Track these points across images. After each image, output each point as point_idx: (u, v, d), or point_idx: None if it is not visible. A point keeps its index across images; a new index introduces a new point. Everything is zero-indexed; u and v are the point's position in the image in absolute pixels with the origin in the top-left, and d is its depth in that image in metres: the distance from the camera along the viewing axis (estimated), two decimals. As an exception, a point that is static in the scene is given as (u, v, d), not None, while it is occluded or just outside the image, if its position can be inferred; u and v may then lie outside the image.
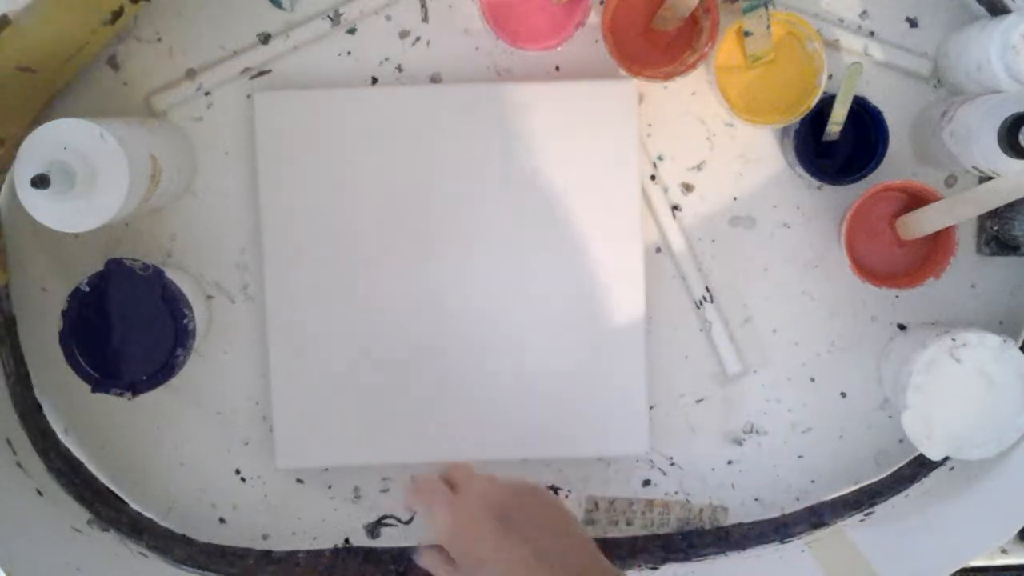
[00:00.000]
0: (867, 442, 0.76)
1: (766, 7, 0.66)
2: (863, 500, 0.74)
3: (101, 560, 0.71)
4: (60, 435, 0.74)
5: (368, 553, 0.75)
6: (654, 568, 0.74)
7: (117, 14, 0.67)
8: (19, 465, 0.71)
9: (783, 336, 0.75)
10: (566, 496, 0.76)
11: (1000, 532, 0.68)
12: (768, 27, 0.67)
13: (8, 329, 0.71)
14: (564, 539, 0.55)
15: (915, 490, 0.74)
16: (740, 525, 0.75)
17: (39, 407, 0.73)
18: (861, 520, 0.74)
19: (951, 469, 0.74)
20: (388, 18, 0.73)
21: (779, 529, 0.75)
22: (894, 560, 0.70)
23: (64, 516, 0.71)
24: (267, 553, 0.74)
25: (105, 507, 0.73)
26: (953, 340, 0.67)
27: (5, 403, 0.71)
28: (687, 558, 0.74)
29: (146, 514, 0.74)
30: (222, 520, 0.76)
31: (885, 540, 0.72)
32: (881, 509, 0.74)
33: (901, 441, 0.75)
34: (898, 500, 0.74)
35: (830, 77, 0.70)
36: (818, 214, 0.74)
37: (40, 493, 0.71)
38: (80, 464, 0.73)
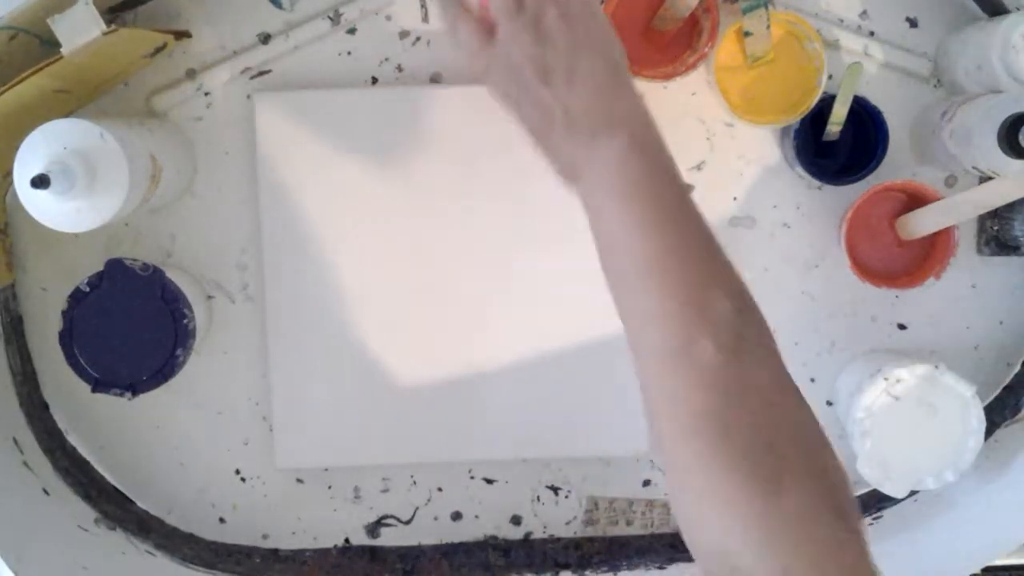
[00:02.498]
0: (867, 442, 0.75)
1: (766, 7, 0.66)
2: (871, 504, 0.74)
3: (108, 559, 0.71)
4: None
5: (374, 552, 0.75)
6: (661, 568, 0.75)
7: (160, 48, 0.68)
8: (26, 464, 0.71)
9: (783, 336, 0.74)
10: (566, 497, 0.76)
11: (1012, 536, 0.68)
12: (768, 27, 0.67)
13: (15, 328, 0.71)
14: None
15: (924, 495, 0.74)
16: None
17: (46, 406, 0.72)
18: (870, 524, 0.74)
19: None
20: (388, 18, 0.73)
21: None
22: (903, 564, 0.70)
23: (71, 515, 0.71)
24: (274, 551, 0.74)
25: (112, 506, 0.72)
26: (886, 379, 0.67)
27: (12, 402, 0.71)
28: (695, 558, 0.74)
29: (153, 512, 0.74)
30: (222, 520, 0.76)
31: (894, 545, 0.72)
32: (889, 513, 0.74)
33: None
34: (907, 505, 0.74)
35: (830, 77, 0.70)
36: (818, 214, 0.74)
37: (47, 492, 0.71)
38: (87, 463, 0.73)
